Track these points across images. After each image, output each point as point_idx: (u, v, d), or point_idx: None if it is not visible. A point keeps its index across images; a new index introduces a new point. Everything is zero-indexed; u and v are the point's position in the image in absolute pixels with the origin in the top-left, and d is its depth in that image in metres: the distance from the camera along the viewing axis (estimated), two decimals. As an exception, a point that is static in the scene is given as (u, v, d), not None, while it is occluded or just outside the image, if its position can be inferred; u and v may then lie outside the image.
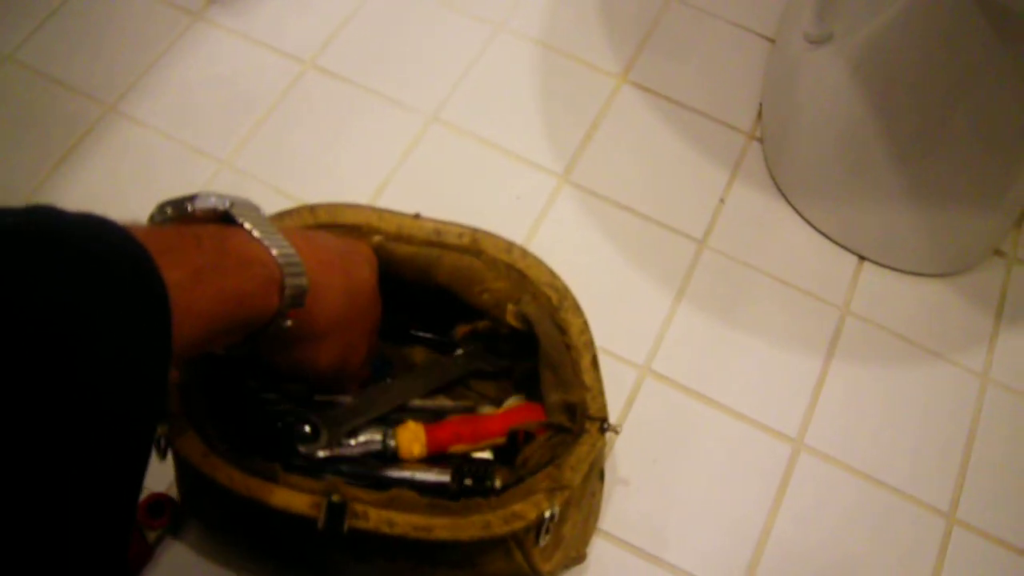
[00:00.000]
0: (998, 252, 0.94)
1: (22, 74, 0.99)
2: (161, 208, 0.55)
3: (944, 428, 0.85)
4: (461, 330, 0.75)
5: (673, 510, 0.79)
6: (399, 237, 0.72)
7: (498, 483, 0.69)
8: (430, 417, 0.73)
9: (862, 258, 0.92)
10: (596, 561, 0.77)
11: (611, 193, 0.93)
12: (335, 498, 0.61)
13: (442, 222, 0.72)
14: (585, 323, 0.69)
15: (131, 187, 0.92)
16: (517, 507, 0.62)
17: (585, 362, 0.68)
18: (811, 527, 0.80)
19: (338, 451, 0.70)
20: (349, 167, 0.94)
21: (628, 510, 0.79)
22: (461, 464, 0.71)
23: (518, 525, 0.61)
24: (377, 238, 0.72)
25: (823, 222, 0.93)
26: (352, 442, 0.70)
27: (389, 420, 0.73)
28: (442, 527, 0.61)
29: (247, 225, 0.54)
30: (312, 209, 0.72)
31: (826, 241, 0.93)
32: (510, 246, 0.71)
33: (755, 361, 0.86)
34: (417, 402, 0.74)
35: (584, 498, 0.71)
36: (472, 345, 0.76)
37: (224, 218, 0.55)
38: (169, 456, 0.65)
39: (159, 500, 0.75)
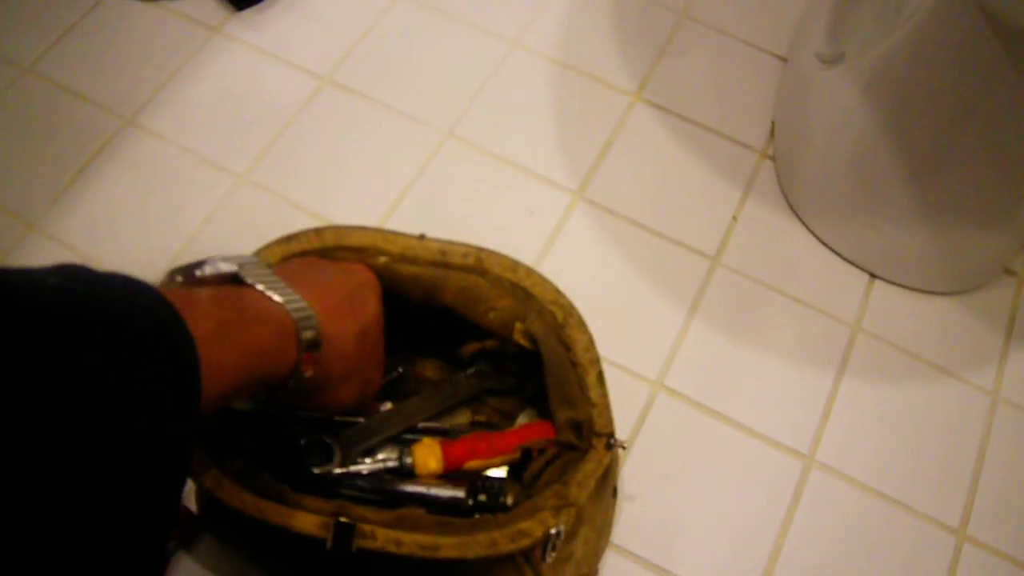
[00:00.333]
0: (1008, 271, 0.95)
1: (42, 86, 1.01)
2: (171, 275, 0.57)
3: (954, 445, 0.85)
4: (469, 349, 0.75)
5: (685, 525, 0.80)
6: (404, 258, 0.72)
7: (510, 499, 0.71)
8: (445, 434, 0.74)
9: (873, 276, 0.93)
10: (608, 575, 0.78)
11: (625, 210, 0.94)
12: (343, 519, 0.62)
13: (447, 242, 0.73)
14: (590, 339, 0.69)
15: (149, 199, 0.94)
16: (524, 525, 0.63)
17: (591, 378, 0.68)
18: (822, 543, 0.80)
19: (356, 467, 0.71)
20: (366, 181, 0.95)
21: (640, 524, 0.79)
22: (475, 480, 0.72)
23: (524, 543, 0.62)
24: (383, 259, 0.72)
25: (834, 240, 0.94)
26: (368, 460, 0.71)
27: (405, 438, 0.74)
28: (449, 546, 0.62)
29: (259, 286, 0.56)
30: (319, 232, 0.73)
31: (837, 259, 0.93)
32: (515, 265, 0.72)
33: (767, 377, 0.87)
34: (431, 423, 0.75)
35: (596, 515, 0.72)
36: (482, 364, 0.77)
37: (234, 279, 0.57)
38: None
39: (173, 509, 0.76)
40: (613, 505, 0.76)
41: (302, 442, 0.71)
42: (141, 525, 0.42)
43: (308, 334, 0.57)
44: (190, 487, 0.74)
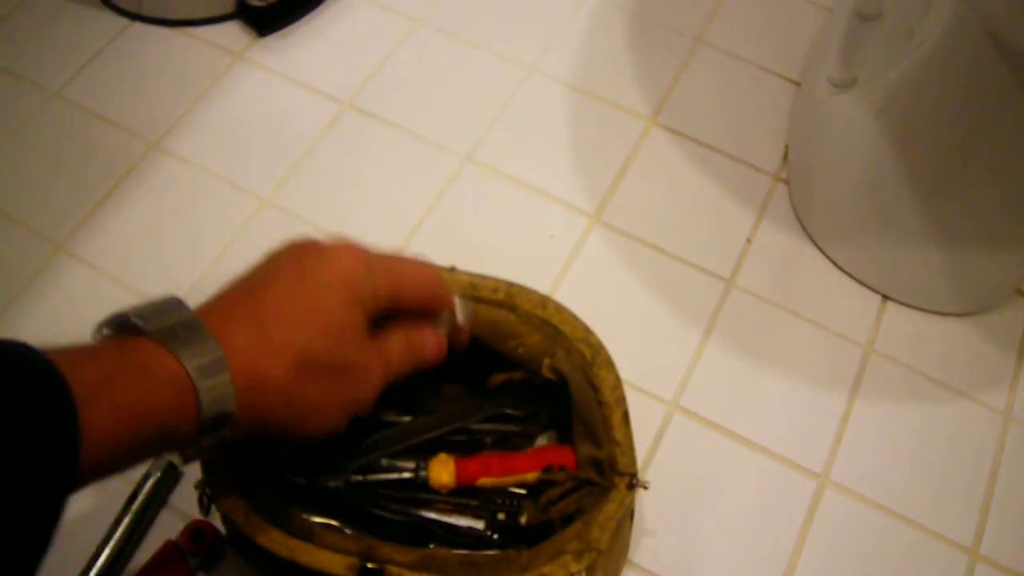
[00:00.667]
0: (1020, 292, 0.96)
1: (69, 111, 1.03)
2: (98, 328, 0.52)
3: (967, 465, 0.86)
4: (496, 379, 0.77)
5: (701, 543, 0.82)
6: None
7: (524, 519, 0.72)
8: (460, 446, 0.76)
9: (886, 297, 0.94)
10: (625, 595, 0.79)
11: (641, 232, 0.96)
12: (370, 565, 0.63)
13: (477, 276, 0.74)
14: (617, 379, 0.70)
15: (174, 222, 0.96)
16: (545, 569, 0.64)
17: (616, 418, 0.69)
18: (836, 560, 0.82)
19: (373, 477, 0.73)
20: (386, 204, 0.97)
21: (657, 543, 0.81)
22: (493, 497, 0.74)
23: (546, 587, 0.63)
24: None
25: (847, 262, 0.95)
26: (385, 463, 0.73)
27: (421, 449, 0.76)
28: (473, 589, 0.63)
29: (155, 334, 0.49)
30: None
31: (850, 280, 0.95)
32: (544, 301, 0.73)
33: (781, 397, 0.88)
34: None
35: (615, 545, 0.73)
36: (506, 393, 0.78)
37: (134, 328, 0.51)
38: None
39: (200, 528, 0.78)
40: (630, 526, 0.78)
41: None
42: None
43: (211, 394, 0.49)
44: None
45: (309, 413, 0.57)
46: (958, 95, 0.83)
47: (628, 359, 0.72)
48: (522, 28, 1.11)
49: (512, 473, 0.74)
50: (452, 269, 0.75)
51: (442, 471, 0.73)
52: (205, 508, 0.68)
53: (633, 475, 0.68)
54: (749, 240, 0.96)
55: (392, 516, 0.73)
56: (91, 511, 0.80)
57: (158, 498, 0.81)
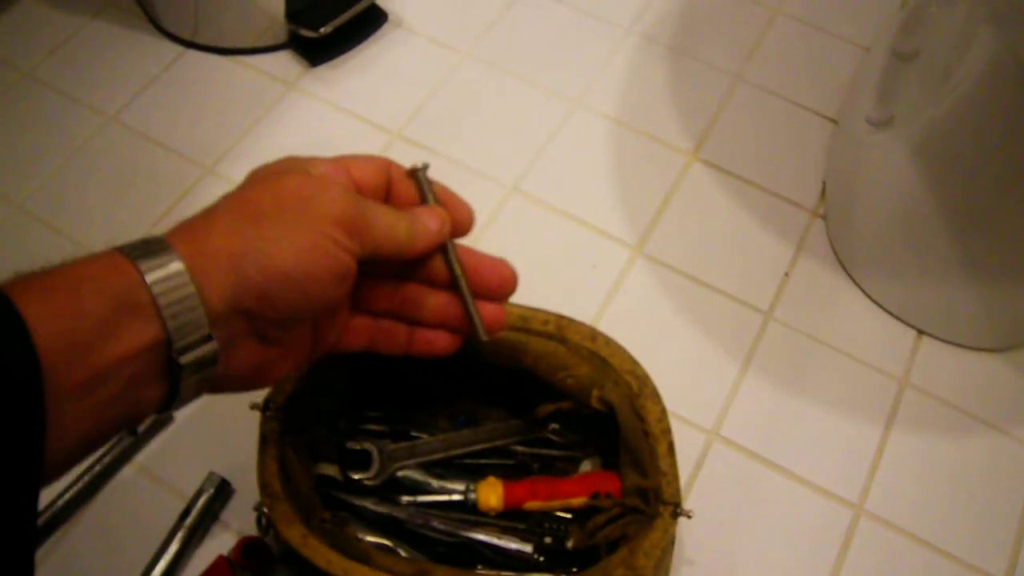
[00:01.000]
0: (1054, 329, 0.98)
1: (126, 135, 1.06)
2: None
3: (1001, 498, 0.88)
4: (545, 409, 0.79)
5: (739, 571, 0.83)
6: None
7: (571, 543, 0.75)
8: (509, 470, 0.79)
9: (920, 332, 0.96)
10: (664, 618, 0.81)
11: (682, 264, 0.98)
12: None
13: (529, 308, 0.77)
14: (663, 410, 0.73)
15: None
16: None
17: (662, 448, 0.71)
18: (870, 589, 0.84)
19: (423, 499, 0.76)
20: (435, 234, 0.99)
21: (696, 571, 0.83)
22: (541, 520, 0.76)
23: (594, 613, 0.65)
24: None
25: (883, 297, 0.97)
26: (435, 484, 0.77)
27: (468, 470, 0.78)
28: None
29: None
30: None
31: (886, 315, 0.96)
32: (594, 333, 0.76)
33: (818, 428, 0.90)
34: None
35: (658, 572, 0.75)
36: (553, 422, 0.81)
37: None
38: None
39: (253, 544, 0.80)
40: (672, 553, 0.80)
41: (347, 445, 0.77)
42: None
43: (160, 274, 0.47)
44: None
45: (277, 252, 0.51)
46: (994, 136, 0.84)
47: (669, 388, 0.74)
48: (567, 63, 1.14)
49: (559, 498, 0.76)
50: (505, 301, 0.77)
51: (490, 494, 0.76)
52: (264, 528, 0.70)
53: (677, 504, 0.70)
54: (787, 274, 0.98)
55: (442, 537, 0.75)
56: (144, 525, 0.82)
57: (210, 513, 0.83)
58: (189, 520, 0.82)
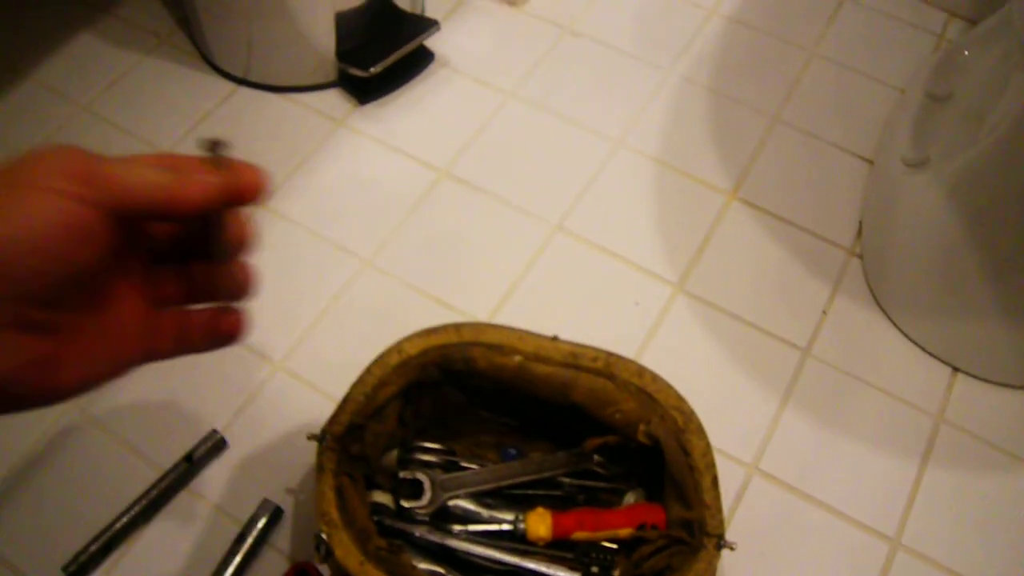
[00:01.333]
0: (1087, 367, 0.99)
1: (179, 170, 1.09)
2: None
3: (1033, 533, 0.90)
4: (592, 443, 0.82)
5: (777, 603, 0.86)
6: (538, 357, 0.79)
7: (617, 573, 0.77)
8: (556, 501, 0.81)
9: (956, 369, 0.98)
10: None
11: (722, 302, 1.00)
12: None
13: (578, 345, 0.79)
14: (708, 445, 0.75)
15: (282, 277, 1.01)
16: None
17: (706, 482, 0.74)
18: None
19: (475, 527, 0.78)
20: (481, 269, 1.02)
21: (736, 601, 0.85)
22: (588, 550, 0.79)
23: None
24: (517, 358, 0.79)
25: (919, 335, 0.99)
26: (485, 514, 0.80)
27: (516, 500, 0.81)
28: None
29: None
30: (457, 327, 0.80)
31: (922, 352, 0.98)
32: (641, 370, 0.78)
33: (855, 463, 0.92)
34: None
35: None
36: (595, 454, 0.84)
37: None
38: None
39: (304, 569, 0.83)
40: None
41: (400, 475, 0.79)
42: None
43: None
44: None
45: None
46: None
47: (709, 422, 0.76)
48: (609, 103, 1.17)
49: (605, 528, 0.79)
50: (555, 338, 0.80)
51: (539, 524, 0.78)
52: (322, 555, 0.73)
53: (721, 536, 0.72)
54: (824, 312, 1.00)
55: (492, 565, 0.78)
56: (199, 550, 0.85)
57: (263, 538, 0.86)
58: (244, 545, 0.84)
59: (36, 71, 1.19)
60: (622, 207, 1.08)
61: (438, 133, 1.13)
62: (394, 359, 0.79)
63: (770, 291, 1.02)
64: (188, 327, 0.55)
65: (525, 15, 1.26)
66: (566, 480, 0.83)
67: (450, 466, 0.83)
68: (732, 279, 1.02)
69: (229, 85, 1.18)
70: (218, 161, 0.49)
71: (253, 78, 1.17)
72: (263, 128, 1.14)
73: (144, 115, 1.15)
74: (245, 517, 0.85)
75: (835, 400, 0.95)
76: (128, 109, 1.15)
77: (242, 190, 0.50)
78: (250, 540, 0.85)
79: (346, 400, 0.78)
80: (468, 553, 0.78)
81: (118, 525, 0.85)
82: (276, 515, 0.86)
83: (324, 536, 0.71)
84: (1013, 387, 0.97)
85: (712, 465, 0.75)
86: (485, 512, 0.80)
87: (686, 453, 0.75)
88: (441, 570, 0.77)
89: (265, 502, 0.86)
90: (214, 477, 0.89)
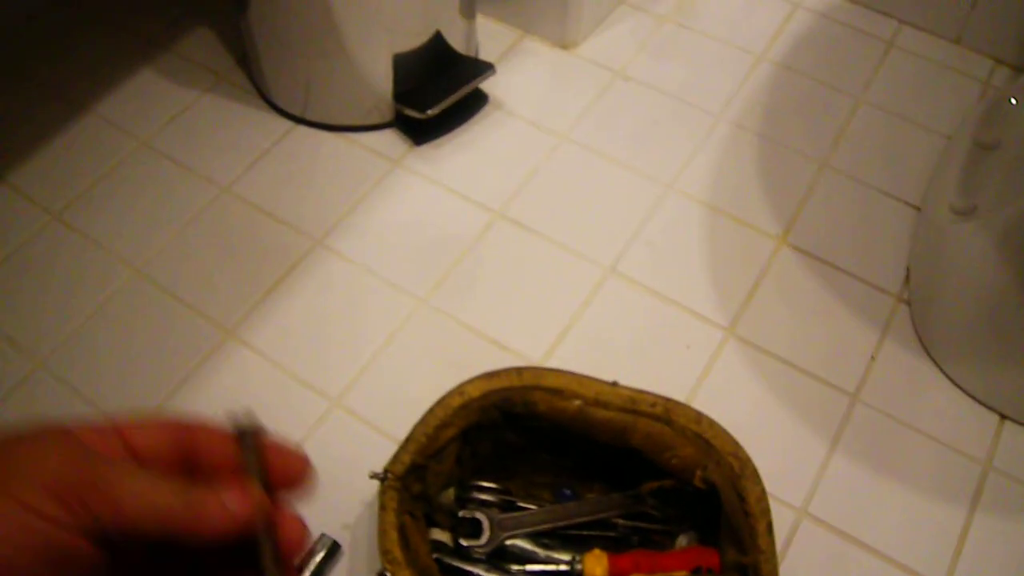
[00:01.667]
0: None
1: (238, 205, 1.12)
2: None
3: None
4: (648, 486, 0.84)
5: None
6: (597, 402, 0.81)
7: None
8: (610, 542, 0.83)
9: (1004, 416, 0.99)
10: None
11: (772, 347, 1.02)
12: None
13: (637, 391, 0.81)
14: (763, 491, 0.77)
15: (336, 316, 1.03)
16: None
17: (761, 527, 0.75)
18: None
19: (533, 567, 0.80)
20: (535, 311, 1.04)
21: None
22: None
23: None
24: (577, 402, 0.81)
25: (967, 382, 1.00)
26: (542, 554, 0.82)
27: (571, 541, 0.82)
28: None
29: None
30: (519, 371, 0.82)
31: (969, 399, 0.99)
32: (699, 416, 0.80)
33: (903, 508, 0.93)
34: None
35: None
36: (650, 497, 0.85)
37: None
38: None
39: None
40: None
41: (460, 514, 0.81)
42: None
43: None
44: None
45: None
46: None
47: (759, 465, 0.78)
48: (659, 147, 1.19)
49: (661, 571, 0.80)
50: (614, 384, 0.82)
51: (596, 565, 0.80)
52: (388, 596, 0.75)
53: None
54: (873, 357, 1.01)
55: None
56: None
57: (321, 572, 0.88)
58: (302, 580, 0.86)
59: (97, 105, 1.23)
60: (674, 251, 1.09)
61: (492, 175, 1.15)
62: (456, 401, 0.81)
63: (819, 336, 1.03)
64: None
65: (577, 59, 1.28)
66: (620, 521, 0.85)
67: (506, 506, 0.85)
68: (782, 323, 1.04)
69: (286, 123, 1.21)
70: (250, 454, 0.42)
71: (310, 117, 1.20)
72: (320, 166, 1.16)
73: (203, 151, 1.18)
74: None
75: (883, 445, 0.96)
76: (187, 145, 1.18)
77: (286, 486, 0.43)
78: (307, 574, 0.86)
79: (408, 440, 0.80)
80: (525, 593, 0.80)
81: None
82: (334, 550, 0.88)
83: (388, 574, 0.73)
84: (1061, 436, 0.98)
85: (767, 511, 0.76)
86: (542, 552, 0.82)
87: (741, 499, 0.77)
88: (500, 609, 0.79)
89: (323, 537, 0.88)
90: (273, 511, 0.91)
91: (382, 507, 0.77)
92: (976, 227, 0.99)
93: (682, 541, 0.85)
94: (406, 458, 0.78)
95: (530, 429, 0.84)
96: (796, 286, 1.07)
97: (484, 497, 0.85)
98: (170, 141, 1.19)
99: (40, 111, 1.22)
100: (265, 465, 0.42)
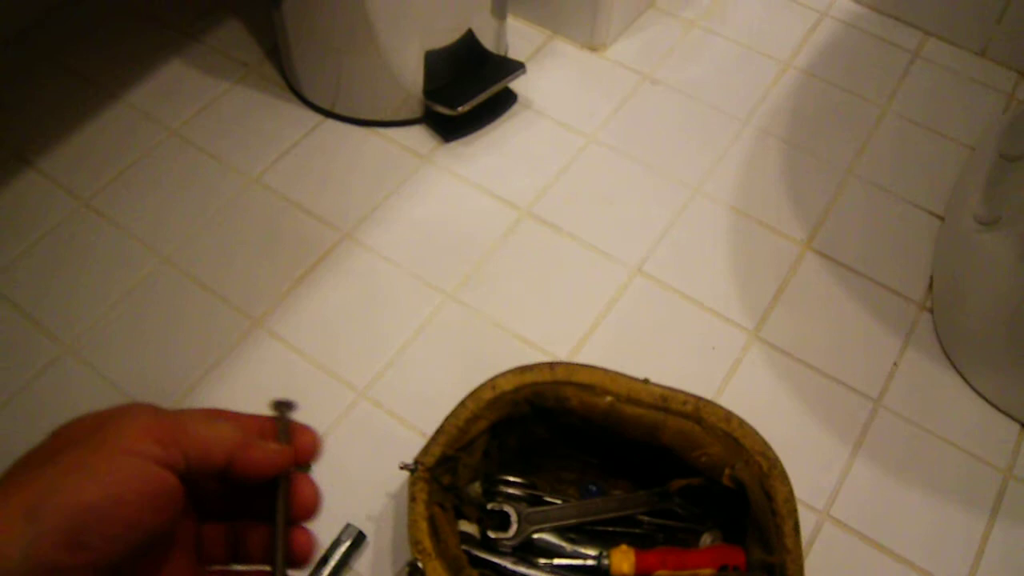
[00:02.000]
0: None
1: (267, 196, 1.13)
2: None
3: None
4: (676, 484, 0.84)
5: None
6: (629, 399, 0.82)
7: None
8: (635, 539, 0.84)
9: (1024, 426, 1.00)
10: None
11: (796, 350, 1.03)
12: None
13: (668, 389, 0.82)
14: (790, 491, 0.77)
15: (364, 308, 1.04)
16: None
17: (788, 527, 0.76)
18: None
19: (560, 561, 0.81)
20: (562, 309, 1.05)
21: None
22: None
23: None
24: (608, 398, 0.82)
25: (988, 390, 1.00)
26: (569, 548, 0.82)
27: (598, 536, 0.83)
28: None
29: None
30: (551, 366, 0.83)
31: (991, 408, 1.00)
32: (728, 415, 0.81)
33: (924, 513, 0.93)
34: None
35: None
36: (676, 495, 0.86)
37: None
38: None
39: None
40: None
41: (488, 507, 0.82)
42: None
43: None
44: None
45: None
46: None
47: (784, 466, 0.79)
48: (686, 150, 1.20)
49: (687, 568, 0.81)
50: (646, 381, 0.82)
51: (623, 561, 0.81)
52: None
53: None
54: (896, 364, 1.02)
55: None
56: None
57: (345, 562, 0.88)
58: (327, 568, 0.86)
59: (127, 94, 1.23)
60: (700, 253, 1.10)
61: (520, 173, 1.16)
62: (487, 394, 0.82)
63: (842, 341, 1.04)
64: None
65: (606, 61, 1.30)
66: (645, 518, 0.86)
67: (533, 500, 0.85)
68: (806, 328, 1.05)
69: (316, 116, 1.21)
70: (284, 423, 0.52)
71: (340, 111, 1.20)
72: (349, 160, 1.17)
73: (232, 142, 1.18)
74: (328, 540, 0.87)
75: (905, 451, 0.97)
76: (217, 136, 1.19)
77: (300, 456, 0.52)
78: (332, 563, 0.87)
79: (439, 432, 0.80)
80: (551, 587, 0.80)
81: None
82: (359, 540, 0.89)
83: (419, 565, 0.74)
84: (1081, 446, 0.99)
85: (794, 511, 0.77)
86: (568, 547, 0.83)
87: (769, 498, 0.77)
88: (527, 602, 0.80)
89: (348, 527, 0.89)
90: (298, 499, 0.91)
91: (412, 498, 0.77)
92: (999, 237, 0.99)
93: (706, 539, 0.85)
94: (436, 450, 0.79)
95: (559, 424, 0.85)
96: (820, 291, 1.07)
97: (511, 491, 0.85)
98: (200, 131, 1.20)
99: (71, 99, 1.22)
100: (292, 435, 0.52)
